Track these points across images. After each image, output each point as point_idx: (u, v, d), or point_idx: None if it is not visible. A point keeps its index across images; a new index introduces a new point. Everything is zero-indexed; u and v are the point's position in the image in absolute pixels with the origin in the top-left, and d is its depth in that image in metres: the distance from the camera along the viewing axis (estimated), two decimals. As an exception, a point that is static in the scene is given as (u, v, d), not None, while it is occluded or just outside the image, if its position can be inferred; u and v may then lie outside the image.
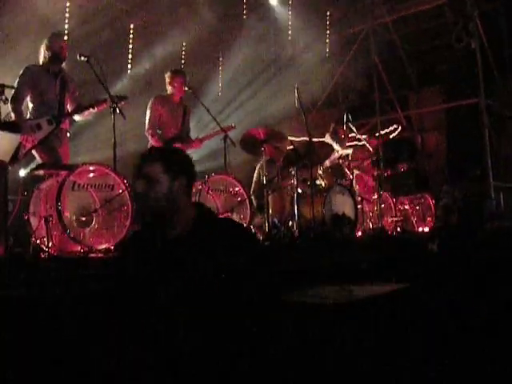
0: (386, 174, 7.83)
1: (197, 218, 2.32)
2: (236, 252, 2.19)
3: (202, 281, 2.11)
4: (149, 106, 5.95)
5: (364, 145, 8.05)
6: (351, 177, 7.60)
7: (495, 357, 2.18)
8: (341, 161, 7.63)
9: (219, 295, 2.08)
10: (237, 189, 5.62)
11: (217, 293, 2.08)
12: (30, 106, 5.06)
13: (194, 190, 5.31)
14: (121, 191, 4.53)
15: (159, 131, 5.90)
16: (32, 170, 4.81)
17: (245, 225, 5.50)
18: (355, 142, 8.36)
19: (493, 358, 2.17)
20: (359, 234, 6.86)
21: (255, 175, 6.99)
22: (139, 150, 6.34)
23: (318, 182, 6.90)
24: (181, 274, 2.15)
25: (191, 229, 2.27)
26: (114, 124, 4.81)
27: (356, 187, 7.89)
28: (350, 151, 7.80)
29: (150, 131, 5.86)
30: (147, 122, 5.90)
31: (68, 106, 5.29)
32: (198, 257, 2.17)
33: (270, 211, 5.93)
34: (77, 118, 5.32)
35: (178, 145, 5.88)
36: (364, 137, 8.21)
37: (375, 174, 7.95)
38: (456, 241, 5.80)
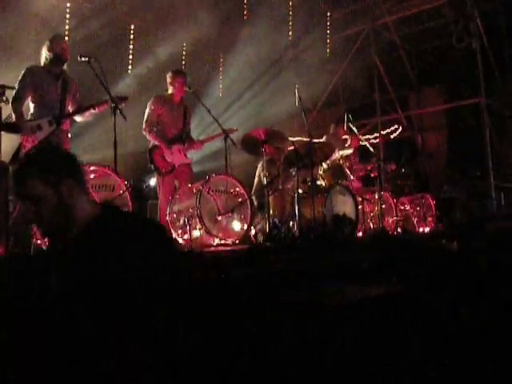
0: (372, 175, 7.82)
1: (98, 216, 2.15)
2: (142, 252, 2.01)
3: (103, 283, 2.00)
4: (148, 105, 5.97)
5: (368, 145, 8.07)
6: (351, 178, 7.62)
7: (495, 357, 2.18)
8: (341, 161, 7.64)
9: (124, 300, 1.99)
10: (237, 189, 5.62)
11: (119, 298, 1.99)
12: (32, 106, 5.07)
13: (194, 191, 5.37)
14: (121, 192, 4.54)
15: (155, 129, 5.91)
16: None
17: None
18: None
19: (492, 358, 2.17)
20: (360, 234, 6.86)
21: (256, 175, 6.99)
22: (140, 150, 6.39)
23: (318, 183, 6.90)
24: (83, 276, 2.02)
25: (91, 228, 2.10)
26: (114, 124, 4.81)
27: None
28: (350, 151, 7.81)
29: (146, 129, 5.90)
30: (144, 120, 5.94)
31: (69, 107, 5.29)
32: (98, 257, 2.01)
33: (271, 211, 5.94)
34: (78, 118, 5.33)
35: (178, 145, 5.90)
36: (365, 137, 8.23)
37: (361, 174, 7.96)
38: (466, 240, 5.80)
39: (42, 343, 2.04)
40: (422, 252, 5.29)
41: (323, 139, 7.96)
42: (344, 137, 8.20)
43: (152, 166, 5.81)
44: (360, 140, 8.24)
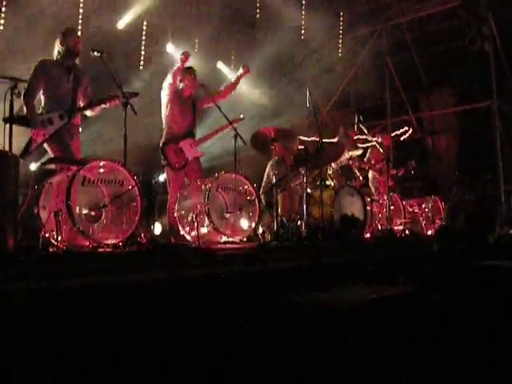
0: (393, 173, 7.81)
1: None
2: None
3: None
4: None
5: (378, 146, 8.04)
6: (369, 177, 7.61)
7: (496, 359, 2.17)
8: (350, 162, 7.62)
9: None
10: (246, 187, 5.62)
11: None
12: (43, 100, 5.07)
13: (203, 188, 5.38)
14: (130, 187, 4.54)
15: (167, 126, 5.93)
16: (43, 164, 4.83)
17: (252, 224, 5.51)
18: (368, 144, 8.35)
19: (493, 360, 2.16)
20: (368, 235, 6.84)
21: (266, 174, 6.99)
22: (150, 145, 6.40)
23: (327, 183, 6.88)
24: None
25: None
26: (125, 120, 4.82)
27: (373, 188, 7.90)
28: (359, 152, 7.79)
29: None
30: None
31: (80, 101, 5.30)
32: None
33: (279, 210, 5.93)
34: (88, 113, 5.34)
35: (190, 140, 5.87)
36: (375, 139, 8.20)
37: (392, 173, 7.94)
38: (461, 243, 5.76)
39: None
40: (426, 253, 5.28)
41: (334, 139, 7.94)
42: (355, 137, 8.19)
43: (165, 161, 5.78)
44: (371, 141, 8.22)
